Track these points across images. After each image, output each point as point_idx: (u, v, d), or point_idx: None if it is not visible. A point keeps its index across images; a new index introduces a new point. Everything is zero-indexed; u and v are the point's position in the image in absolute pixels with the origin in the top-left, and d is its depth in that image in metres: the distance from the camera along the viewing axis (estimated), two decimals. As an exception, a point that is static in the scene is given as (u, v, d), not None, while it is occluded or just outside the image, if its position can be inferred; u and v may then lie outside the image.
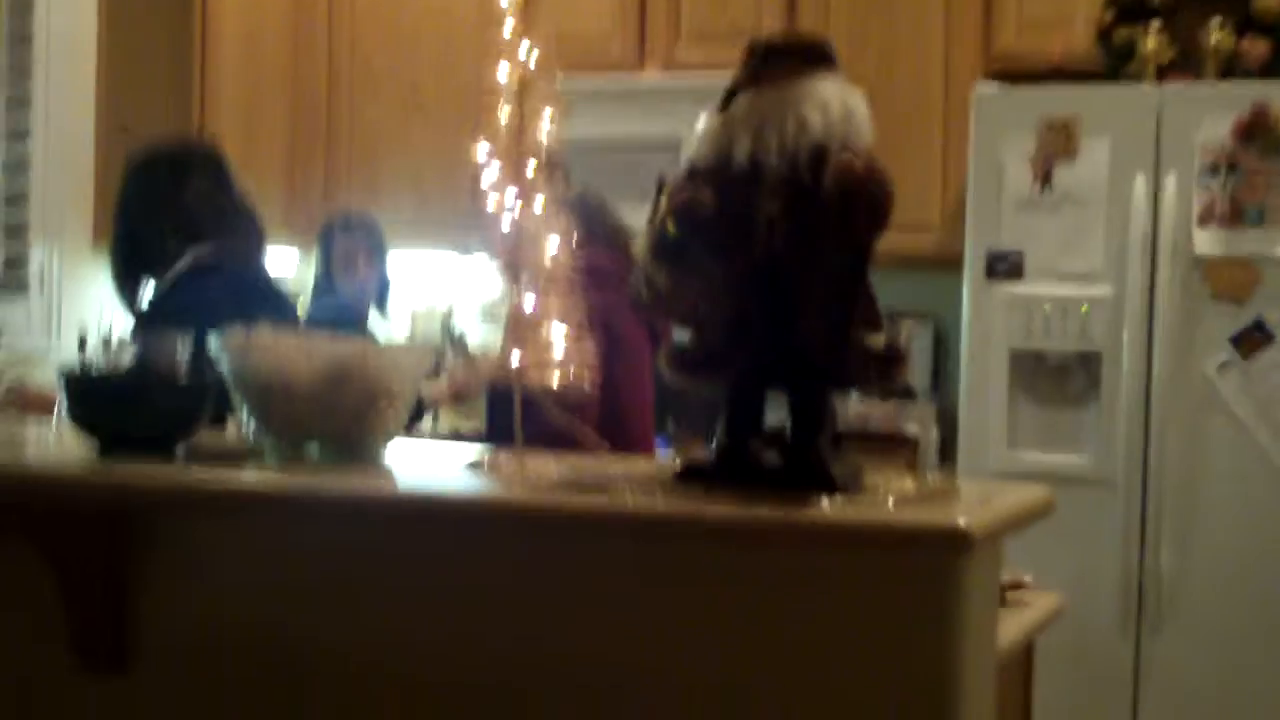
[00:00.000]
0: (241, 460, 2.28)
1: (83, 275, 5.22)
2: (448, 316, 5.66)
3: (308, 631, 2.24)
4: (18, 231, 5.18)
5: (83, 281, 5.20)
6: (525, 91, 2.25)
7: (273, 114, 5.69)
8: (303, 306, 5.19)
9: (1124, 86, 4.62)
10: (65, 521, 2.23)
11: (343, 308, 4.86)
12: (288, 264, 5.73)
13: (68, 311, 5.22)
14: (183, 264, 3.28)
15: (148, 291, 3.36)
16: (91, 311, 5.04)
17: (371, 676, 2.22)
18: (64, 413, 2.34)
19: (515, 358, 2.22)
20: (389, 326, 5.20)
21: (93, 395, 2.25)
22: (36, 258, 5.23)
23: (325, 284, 5.02)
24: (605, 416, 3.14)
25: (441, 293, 5.83)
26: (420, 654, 2.18)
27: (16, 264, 5.18)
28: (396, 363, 2.27)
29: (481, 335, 2.81)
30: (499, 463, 2.26)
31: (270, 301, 3.46)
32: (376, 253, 5.04)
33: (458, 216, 5.63)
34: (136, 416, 2.24)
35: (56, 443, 2.38)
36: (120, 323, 3.47)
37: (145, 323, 3.15)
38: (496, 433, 3.19)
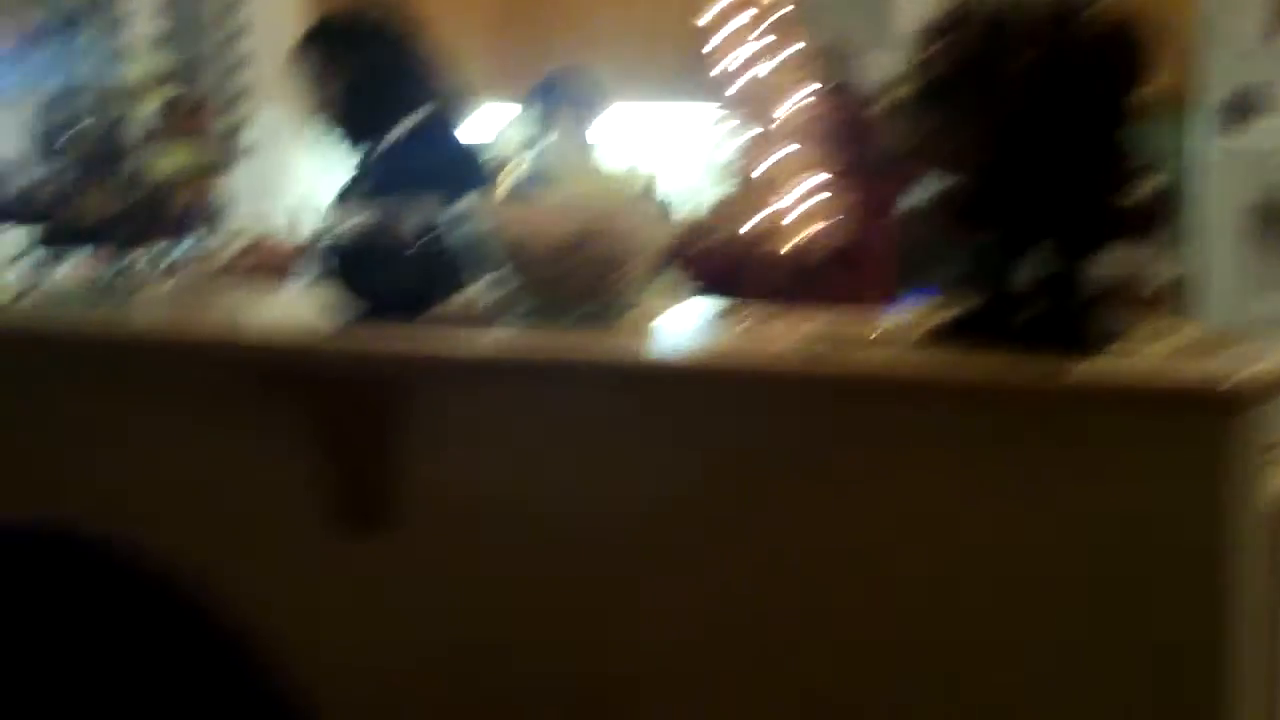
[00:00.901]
0: (489, 325, 2.30)
1: (301, 141, 5.29)
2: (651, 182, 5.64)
3: (558, 495, 2.26)
4: (238, 99, 5.26)
5: (301, 148, 5.27)
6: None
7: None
8: (515, 165, 5.21)
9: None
10: (327, 387, 2.26)
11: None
12: (499, 121, 5.74)
13: (288, 178, 5.30)
14: (408, 126, 3.35)
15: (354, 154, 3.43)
16: (310, 178, 5.11)
17: (621, 540, 2.23)
18: (312, 278, 2.37)
19: (759, 215, 2.20)
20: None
21: (349, 261, 2.28)
22: (257, 124, 5.30)
23: (540, 141, 5.03)
24: (843, 273, 3.08)
25: (656, 150, 5.80)
26: (673, 518, 2.19)
27: (238, 132, 5.25)
28: (640, 222, 2.25)
29: (705, 194, 2.78)
30: (747, 323, 2.24)
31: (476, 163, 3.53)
32: (592, 107, 5.04)
33: (678, 68, 5.59)
34: (392, 282, 2.26)
35: (312, 309, 2.41)
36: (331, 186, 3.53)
37: (377, 184, 3.18)
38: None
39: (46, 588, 1.55)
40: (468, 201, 2.30)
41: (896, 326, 2.17)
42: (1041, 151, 1.95)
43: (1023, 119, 1.95)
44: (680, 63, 5.48)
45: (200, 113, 2.69)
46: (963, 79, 1.96)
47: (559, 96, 5.08)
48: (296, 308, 2.52)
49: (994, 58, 1.95)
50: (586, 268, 2.22)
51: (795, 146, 2.21)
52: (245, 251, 3.67)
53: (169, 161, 2.53)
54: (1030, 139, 1.95)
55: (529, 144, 5.12)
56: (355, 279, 2.28)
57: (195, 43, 5.13)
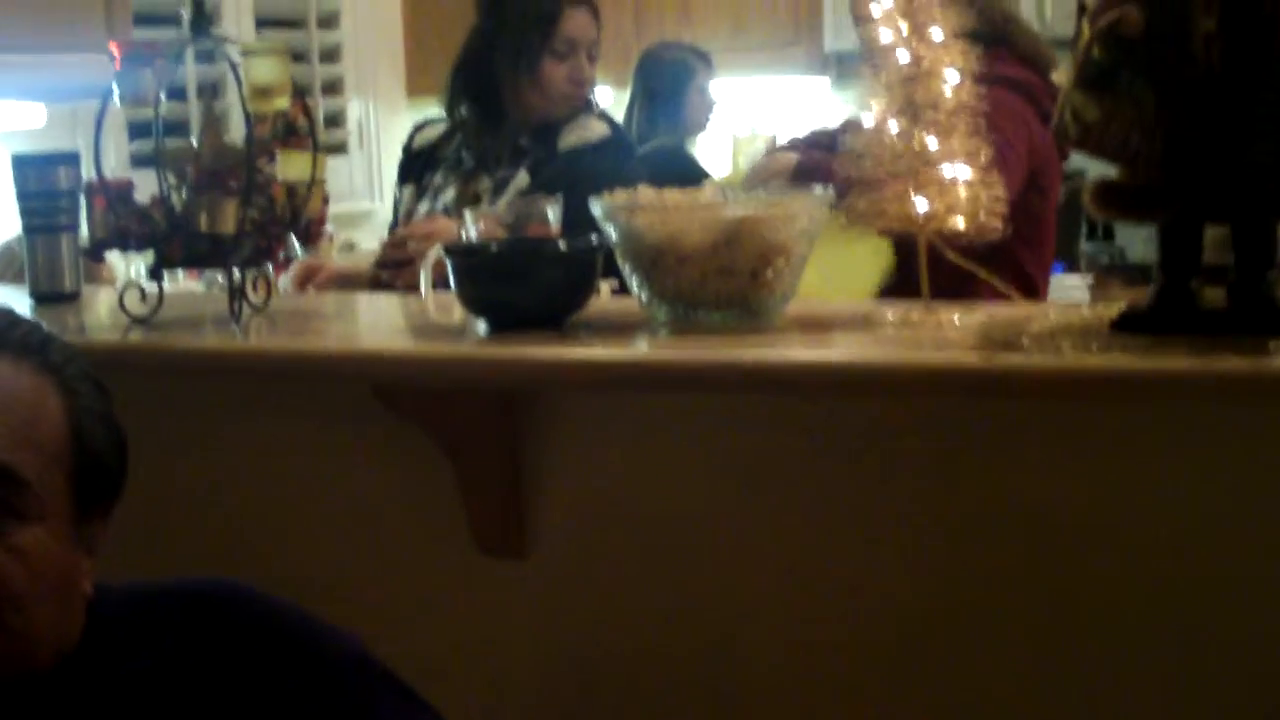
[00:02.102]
0: (631, 332, 2.26)
1: (399, 131, 5.27)
2: (772, 146, 5.59)
3: (705, 513, 2.23)
4: (334, 88, 5.26)
5: (399, 138, 5.25)
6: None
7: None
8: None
9: None
10: (458, 405, 2.25)
11: (675, 152, 4.80)
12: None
13: (387, 169, 5.29)
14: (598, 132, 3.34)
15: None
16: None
17: (770, 559, 2.20)
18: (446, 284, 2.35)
19: (919, 203, 2.15)
20: (703, 155, 5.14)
21: (482, 271, 2.25)
22: (353, 114, 5.30)
23: (646, 119, 4.97)
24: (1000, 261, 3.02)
25: (762, 120, 5.75)
26: (829, 536, 2.16)
27: (335, 122, 5.26)
28: (792, 216, 2.21)
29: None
30: (908, 319, 2.19)
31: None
32: (708, 76, 4.98)
33: (778, 39, 5.56)
34: (526, 291, 2.22)
35: (437, 321, 2.39)
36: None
37: (547, 186, 3.15)
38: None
39: (217, 646, 1.54)
40: (611, 201, 2.26)
41: (1072, 317, 2.11)
42: (1223, 124, 1.89)
43: (1203, 90, 1.89)
44: (775, 34, 5.47)
45: (307, 116, 2.67)
46: (1136, 57, 1.90)
47: (663, 74, 5.03)
48: (427, 318, 2.51)
49: (1171, 30, 1.89)
50: (736, 266, 2.18)
51: (957, 130, 2.14)
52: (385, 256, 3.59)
53: (288, 172, 2.52)
54: (1210, 112, 1.89)
55: (639, 131, 5.06)
56: (490, 284, 2.25)
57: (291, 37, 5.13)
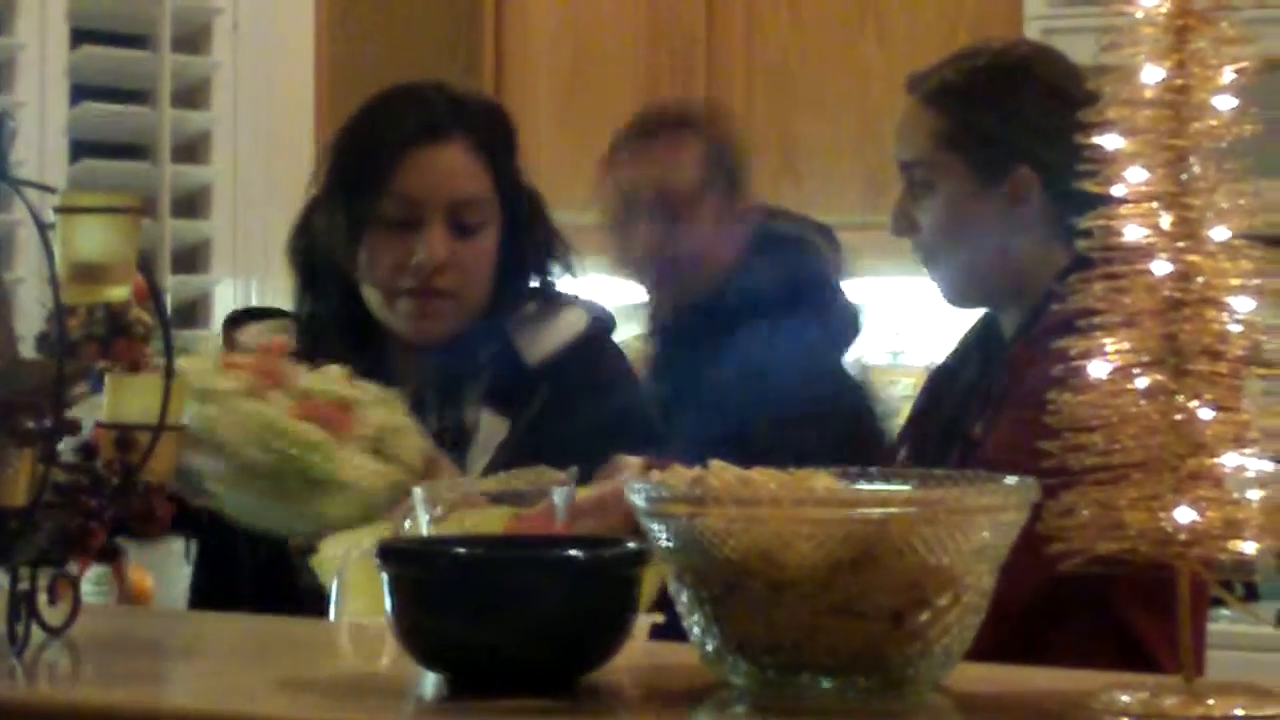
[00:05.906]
0: (685, 704, 2.28)
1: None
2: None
3: None
4: (191, 259, 5.28)
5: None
6: (1188, 35, 2.19)
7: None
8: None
9: None
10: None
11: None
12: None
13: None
14: None
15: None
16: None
17: None
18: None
19: (1182, 515, 2.15)
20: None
21: (439, 591, 2.26)
22: (223, 304, 5.31)
23: (762, 329, 4.99)
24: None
25: (911, 343, 5.80)
26: None
27: (192, 317, 5.26)
28: (968, 522, 2.22)
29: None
30: (1160, 711, 2.18)
31: None
32: (838, 267, 5.02)
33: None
34: (515, 629, 2.23)
35: (354, 668, 2.39)
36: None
37: None
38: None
39: None
40: (651, 484, 2.29)
41: None
42: None
43: None
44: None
45: (156, 309, 2.69)
46: None
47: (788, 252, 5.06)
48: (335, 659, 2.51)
49: None
50: (868, 602, 2.20)
51: (1238, 394, 2.17)
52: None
53: (122, 407, 2.52)
54: None
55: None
56: (453, 615, 2.27)
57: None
